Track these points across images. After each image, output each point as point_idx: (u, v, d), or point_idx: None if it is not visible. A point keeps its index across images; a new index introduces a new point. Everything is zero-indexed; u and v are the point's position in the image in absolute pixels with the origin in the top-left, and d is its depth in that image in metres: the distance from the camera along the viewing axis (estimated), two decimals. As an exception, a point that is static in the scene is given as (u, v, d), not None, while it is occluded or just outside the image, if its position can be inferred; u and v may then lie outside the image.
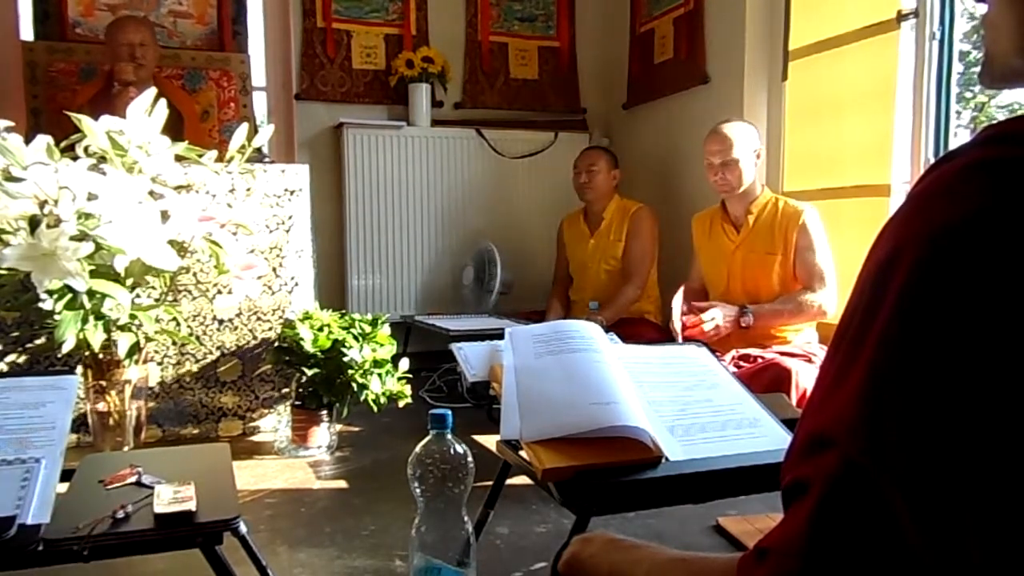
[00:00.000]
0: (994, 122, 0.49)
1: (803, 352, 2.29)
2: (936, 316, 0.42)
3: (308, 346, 2.14)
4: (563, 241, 3.44)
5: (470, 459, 0.99)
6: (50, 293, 1.64)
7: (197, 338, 2.30)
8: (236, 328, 2.37)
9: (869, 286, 0.46)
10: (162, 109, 1.85)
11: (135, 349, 1.84)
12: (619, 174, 3.26)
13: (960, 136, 2.67)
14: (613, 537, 0.72)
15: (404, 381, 2.22)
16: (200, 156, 1.97)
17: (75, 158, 1.76)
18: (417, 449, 0.98)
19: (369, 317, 2.27)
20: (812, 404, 0.50)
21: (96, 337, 1.71)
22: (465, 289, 3.63)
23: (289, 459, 2.16)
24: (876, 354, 0.44)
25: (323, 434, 2.20)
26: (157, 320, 1.91)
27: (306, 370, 2.16)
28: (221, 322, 2.35)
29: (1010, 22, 0.55)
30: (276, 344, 2.34)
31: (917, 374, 0.42)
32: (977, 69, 0.60)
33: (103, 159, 1.80)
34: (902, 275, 0.43)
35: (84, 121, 1.78)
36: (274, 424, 2.38)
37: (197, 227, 1.83)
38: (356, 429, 2.45)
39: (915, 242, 0.43)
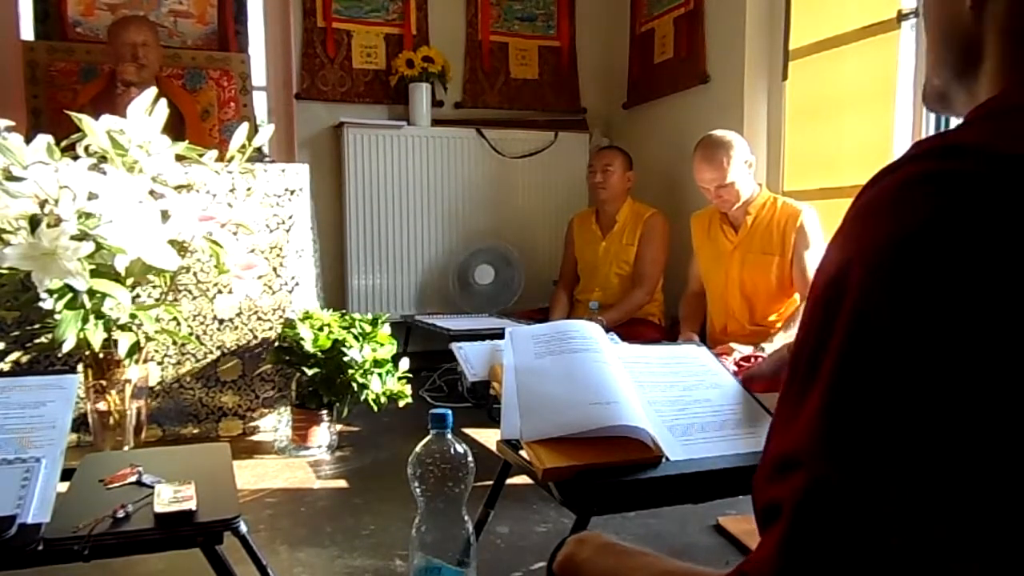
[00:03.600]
0: (927, 136, 0.50)
1: (803, 352, 2.28)
2: (888, 328, 0.42)
3: (308, 346, 2.14)
4: (572, 240, 3.43)
5: (470, 459, 0.99)
6: (50, 292, 1.64)
7: (197, 338, 2.30)
8: (236, 328, 2.37)
9: (822, 303, 0.47)
10: (162, 109, 1.85)
11: (135, 349, 1.84)
12: (634, 176, 3.26)
13: (960, 136, 2.65)
14: (606, 541, 0.72)
15: (404, 381, 2.22)
16: (200, 156, 1.97)
17: (75, 158, 1.76)
18: (417, 449, 0.98)
19: (369, 317, 2.27)
20: (776, 425, 0.50)
21: (96, 336, 1.71)
22: (478, 287, 3.61)
23: (289, 459, 2.16)
24: (834, 369, 0.44)
25: (323, 434, 2.20)
26: (157, 319, 1.91)
27: (306, 370, 2.16)
28: (221, 322, 2.35)
29: (927, 44, 0.59)
30: (276, 344, 2.34)
31: (875, 386, 0.43)
32: None
33: (104, 159, 1.80)
34: (853, 290, 0.44)
35: (84, 120, 1.78)
36: (274, 424, 2.39)
37: (197, 227, 1.83)
38: (356, 429, 2.45)
39: (864, 256, 0.44)
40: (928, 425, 0.41)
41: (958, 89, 0.59)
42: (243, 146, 2.00)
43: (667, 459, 1.09)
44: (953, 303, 0.41)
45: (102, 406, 1.87)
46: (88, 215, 1.63)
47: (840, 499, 0.43)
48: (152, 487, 1.09)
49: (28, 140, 1.70)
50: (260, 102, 3.61)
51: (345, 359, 2.12)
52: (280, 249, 2.40)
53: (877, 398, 0.42)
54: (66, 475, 1.13)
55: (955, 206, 0.42)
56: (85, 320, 1.68)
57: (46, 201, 1.61)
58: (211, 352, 2.35)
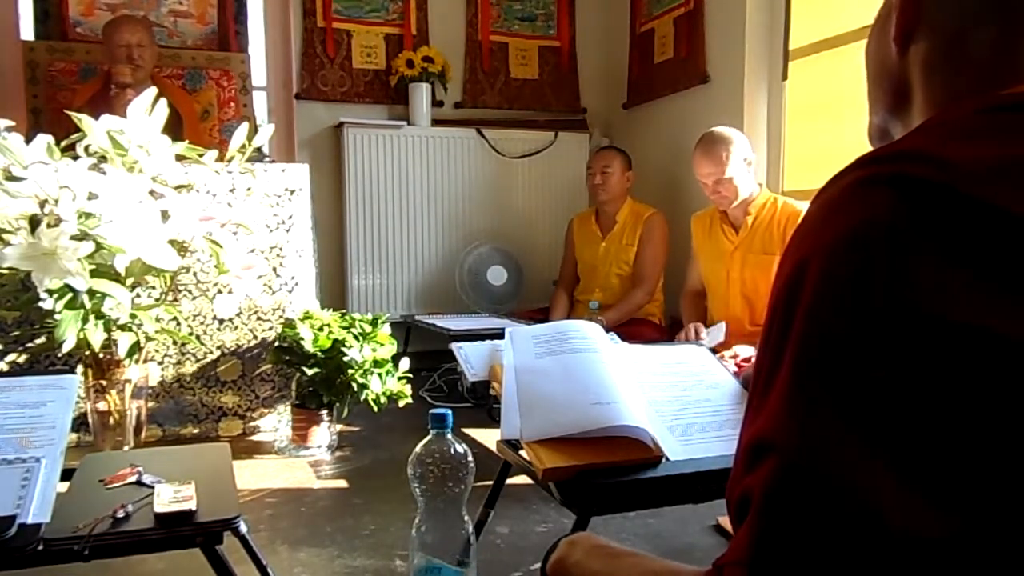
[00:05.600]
0: (872, 149, 0.56)
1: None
2: (839, 316, 0.46)
3: (308, 346, 2.14)
4: (572, 240, 3.43)
5: (470, 459, 0.99)
6: (50, 292, 1.64)
7: (197, 338, 2.30)
8: (236, 328, 2.37)
9: (783, 298, 0.50)
10: (162, 109, 1.85)
11: (135, 348, 1.84)
12: (633, 176, 3.26)
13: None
14: (597, 543, 0.73)
15: (404, 381, 2.22)
16: (200, 156, 1.97)
17: (75, 157, 1.76)
18: (417, 449, 0.98)
19: (369, 317, 2.27)
20: (747, 417, 0.52)
21: (96, 336, 1.71)
22: (491, 287, 3.61)
23: (289, 459, 2.16)
24: (796, 356, 0.47)
25: (323, 434, 2.20)
26: (157, 319, 1.91)
27: (306, 370, 2.16)
28: (221, 322, 2.35)
29: (867, 87, 0.66)
30: (276, 344, 2.34)
31: (834, 370, 0.45)
32: None
33: (103, 158, 1.80)
34: (811, 280, 0.47)
35: (84, 120, 1.78)
36: (274, 424, 2.39)
37: (197, 227, 1.83)
38: (356, 429, 2.45)
39: (820, 251, 0.48)
40: (889, 405, 0.43)
41: (895, 124, 0.65)
42: (243, 146, 2.00)
43: (667, 459, 1.09)
44: (900, 292, 0.44)
45: (102, 406, 1.87)
46: (88, 215, 1.63)
47: (807, 483, 0.44)
48: (152, 487, 1.09)
49: (28, 140, 1.70)
50: (260, 102, 3.61)
51: (345, 359, 2.12)
52: (280, 249, 2.40)
53: (837, 381, 0.45)
54: (66, 475, 1.13)
55: (904, 202, 0.46)
56: (85, 320, 1.68)
57: (46, 201, 1.61)
58: (211, 352, 2.35)
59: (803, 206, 2.48)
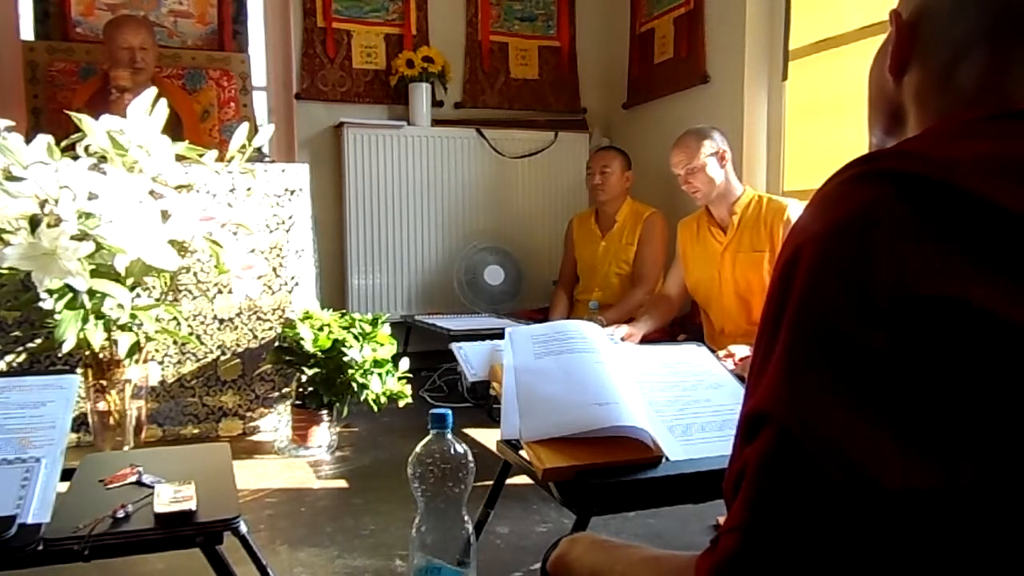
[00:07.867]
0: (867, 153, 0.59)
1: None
2: (835, 290, 0.48)
3: (308, 346, 2.14)
4: (572, 240, 3.43)
5: (470, 459, 0.99)
6: (50, 292, 1.64)
7: (198, 338, 2.30)
8: (236, 328, 2.37)
9: (779, 282, 0.53)
10: (162, 109, 1.85)
11: (135, 348, 1.84)
12: (632, 176, 3.26)
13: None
14: (596, 538, 0.74)
15: (404, 381, 2.22)
16: (200, 156, 1.97)
17: (75, 158, 1.76)
18: (417, 449, 0.98)
19: (369, 317, 2.27)
20: (744, 398, 0.55)
21: (96, 336, 1.71)
22: (488, 287, 3.61)
23: (289, 459, 2.16)
24: (790, 330, 0.49)
25: (323, 434, 2.20)
26: (157, 319, 1.91)
27: (306, 370, 2.16)
28: (222, 321, 2.35)
29: (867, 109, 0.72)
30: (276, 344, 2.34)
31: (826, 340, 0.47)
32: None
33: (103, 159, 1.81)
34: (805, 261, 0.50)
35: (84, 120, 1.78)
36: (274, 424, 2.39)
37: (197, 227, 1.83)
38: (356, 429, 2.45)
39: (814, 237, 0.51)
40: (886, 370, 0.45)
41: (892, 143, 0.69)
42: (243, 146, 2.00)
43: (667, 459, 1.09)
44: (895, 269, 0.47)
45: (102, 406, 1.87)
46: (88, 215, 1.63)
47: (801, 447, 0.45)
48: (152, 487, 1.09)
49: (28, 140, 1.70)
50: (260, 102, 3.61)
51: (345, 359, 2.12)
52: (280, 249, 2.40)
53: (832, 350, 0.47)
54: (66, 475, 1.13)
55: (899, 193, 0.49)
56: (85, 320, 1.68)
57: (46, 201, 1.61)
58: (211, 352, 2.35)
59: (789, 202, 2.47)
